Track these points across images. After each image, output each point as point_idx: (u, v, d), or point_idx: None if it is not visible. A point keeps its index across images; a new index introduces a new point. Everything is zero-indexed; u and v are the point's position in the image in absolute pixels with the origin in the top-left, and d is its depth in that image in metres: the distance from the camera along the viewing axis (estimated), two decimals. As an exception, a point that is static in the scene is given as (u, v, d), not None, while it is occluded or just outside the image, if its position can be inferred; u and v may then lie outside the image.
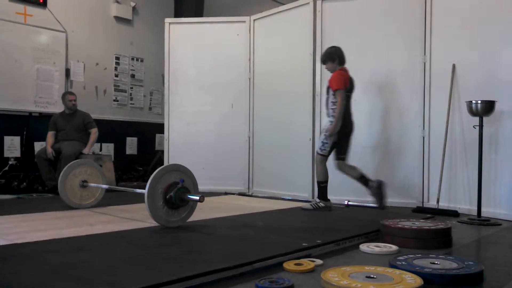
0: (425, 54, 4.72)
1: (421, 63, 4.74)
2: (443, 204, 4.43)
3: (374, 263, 2.38)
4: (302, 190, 5.34)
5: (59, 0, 6.63)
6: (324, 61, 4.52)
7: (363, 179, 4.23)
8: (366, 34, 5.05)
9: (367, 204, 4.61)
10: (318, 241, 2.74)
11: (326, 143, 4.30)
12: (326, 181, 4.42)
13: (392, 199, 4.71)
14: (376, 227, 3.17)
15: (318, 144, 4.44)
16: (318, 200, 4.44)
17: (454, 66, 4.51)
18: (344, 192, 4.96)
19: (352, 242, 2.92)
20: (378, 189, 4.13)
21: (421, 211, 4.37)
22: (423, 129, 4.72)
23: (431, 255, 2.44)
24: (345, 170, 4.33)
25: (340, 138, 4.30)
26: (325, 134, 4.30)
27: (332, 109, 4.29)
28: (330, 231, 3.21)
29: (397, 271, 2.09)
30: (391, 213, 4.02)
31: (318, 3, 5.26)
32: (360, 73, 5.01)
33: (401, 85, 4.87)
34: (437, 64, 4.65)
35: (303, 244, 2.65)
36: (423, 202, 4.68)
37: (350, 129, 4.34)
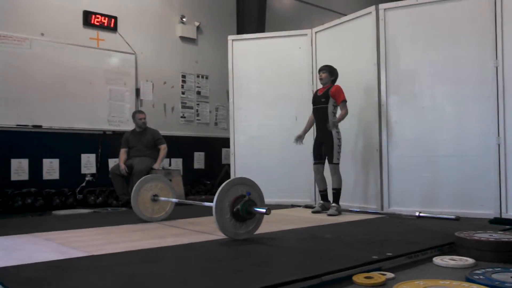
0: (496, 58, 4.51)
1: (493, 67, 4.52)
2: (524, 215, 4.17)
3: (449, 277, 2.28)
4: (371, 201, 5.23)
5: (128, 24, 7.00)
6: (323, 70, 5.02)
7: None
8: (432, 40, 4.89)
9: (440, 216, 4.44)
10: (389, 253, 2.66)
11: (340, 152, 4.86)
12: None
13: (467, 210, 4.52)
14: (450, 239, 3.03)
15: (335, 156, 4.84)
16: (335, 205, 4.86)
17: (529, 68, 4.28)
18: (415, 203, 4.81)
19: (425, 255, 2.81)
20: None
21: (499, 222, 4.12)
22: (498, 136, 4.49)
23: (511, 269, 2.30)
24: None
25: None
26: (338, 145, 4.83)
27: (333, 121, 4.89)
28: (401, 243, 3.11)
29: (475, 286, 2.00)
30: (466, 225, 3.83)
31: (381, 12, 5.17)
32: (427, 81, 4.88)
33: (472, 91, 4.67)
34: (510, 68, 4.42)
35: (373, 256, 2.58)
36: (500, 212, 4.42)
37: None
